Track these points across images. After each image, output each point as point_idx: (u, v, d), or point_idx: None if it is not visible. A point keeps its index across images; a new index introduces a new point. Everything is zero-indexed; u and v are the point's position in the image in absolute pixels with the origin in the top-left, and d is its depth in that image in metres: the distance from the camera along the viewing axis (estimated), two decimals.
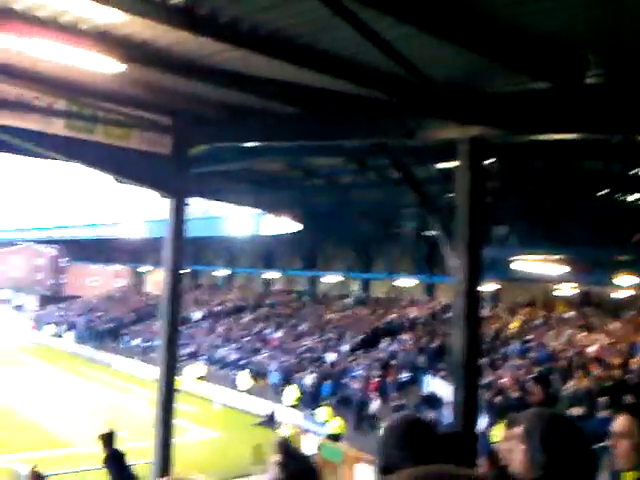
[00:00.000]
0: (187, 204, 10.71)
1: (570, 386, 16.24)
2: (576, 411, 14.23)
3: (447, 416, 18.43)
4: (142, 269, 49.36)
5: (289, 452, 2.36)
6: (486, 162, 7.82)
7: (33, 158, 10.93)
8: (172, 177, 10.37)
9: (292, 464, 2.29)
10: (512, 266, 17.62)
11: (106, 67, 6.21)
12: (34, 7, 5.74)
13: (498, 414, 16.77)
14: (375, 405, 20.93)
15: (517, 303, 25.95)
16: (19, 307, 59.85)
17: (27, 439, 18.83)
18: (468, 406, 7.79)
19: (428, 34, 5.50)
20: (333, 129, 8.89)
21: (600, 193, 13.30)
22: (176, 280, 10.67)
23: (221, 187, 15.94)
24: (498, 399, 17.28)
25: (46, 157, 10.50)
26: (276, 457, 2.35)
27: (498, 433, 15.80)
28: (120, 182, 12.94)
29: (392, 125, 8.09)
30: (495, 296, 26.56)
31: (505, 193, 12.33)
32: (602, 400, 14.47)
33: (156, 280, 46.86)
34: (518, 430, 2.30)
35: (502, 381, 18.58)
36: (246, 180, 15.77)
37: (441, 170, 11.84)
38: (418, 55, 5.94)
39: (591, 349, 19.20)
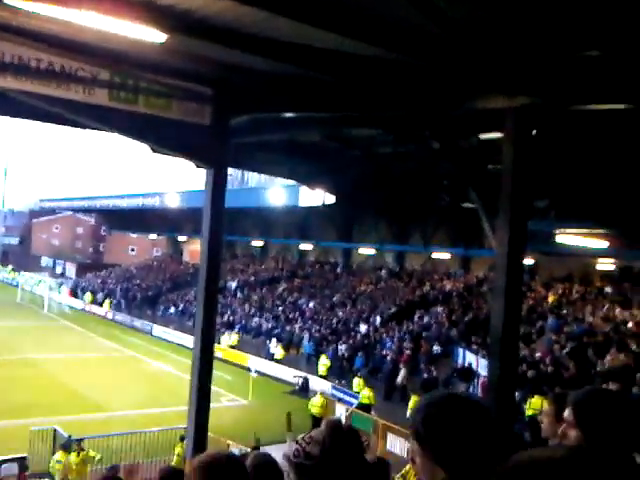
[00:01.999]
0: (225, 172, 10.76)
1: (606, 362, 16.07)
2: (612, 387, 14.09)
3: (480, 389, 18.48)
4: (180, 238, 50.06)
5: (338, 432, 2.31)
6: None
7: (75, 128, 11.08)
8: (211, 147, 10.41)
9: (336, 444, 2.24)
10: (551, 238, 17.31)
11: (149, 37, 6.24)
12: None
13: (531, 388, 16.74)
14: (405, 377, 21.04)
15: (554, 277, 25.60)
16: (59, 274, 61.46)
17: (67, 403, 19.51)
18: (505, 380, 7.76)
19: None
20: (370, 99, 8.79)
21: None
22: (215, 249, 10.80)
23: (258, 158, 15.96)
24: (531, 373, 17.21)
25: (88, 127, 10.65)
26: (317, 434, 2.29)
27: (532, 406, 15.82)
28: (156, 152, 13.06)
29: (433, 95, 7.97)
30: (532, 270, 26.22)
31: (548, 164, 12.07)
32: (638, 376, 14.28)
33: (193, 249, 47.55)
34: (568, 415, 2.21)
35: (536, 355, 18.49)
36: (283, 151, 15.74)
37: (482, 141, 11.61)
38: (464, 21, 5.81)
39: (629, 325, 18.92)
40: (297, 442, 2.25)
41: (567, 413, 2.20)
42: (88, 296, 45.09)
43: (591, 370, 16.06)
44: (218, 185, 10.63)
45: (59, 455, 12.67)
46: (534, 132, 7.65)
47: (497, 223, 7.56)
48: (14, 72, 7.90)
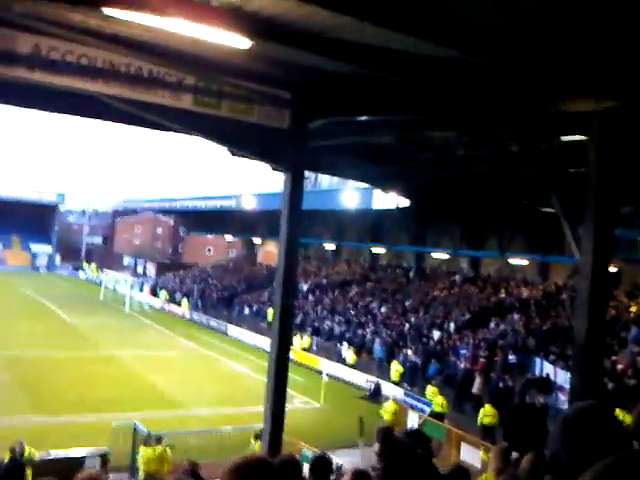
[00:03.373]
0: (304, 177, 10.91)
1: None
2: None
3: (560, 401, 17.84)
4: (254, 240, 50.99)
5: (390, 441, 2.33)
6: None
7: (161, 131, 11.51)
8: (289, 151, 10.59)
9: (393, 454, 2.26)
10: (635, 247, 16.57)
11: (235, 43, 6.42)
12: None
13: (612, 401, 16.03)
14: (479, 385, 20.59)
15: (638, 286, 24.42)
16: (140, 273, 63.85)
17: (148, 399, 20.23)
18: (587, 393, 7.48)
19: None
20: (448, 101, 8.70)
21: None
22: (291, 251, 10.96)
23: (333, 161, 16.07)
24: (612, 385, 16.51)
25: (173, 130, 11.05)
26: (377, 446, 2.33)
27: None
28: (235, 155, 13.39)
29: (515, 97, 7.80)
30: (615, 278, 25.09)
31: (633, 169, 11.56)
32: None
33: (267, 251, 48.34)
34: None
35: (618, 367, 17.72)
36: (357, 154, 15.80)
37: (563, 143, 11.25)
38: (547, 24, 5.67)
39: None
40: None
41: None
42: (164, 294, 46.58)
43: None
44: (295, 188, 10.78)
45: (142, 450, 13.09)
46: (620, 136, 7.35)
47: (581, 230, 7.30)
48: (106, 77, 8.32)
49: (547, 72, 6.49)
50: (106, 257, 74.01)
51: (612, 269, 23.52)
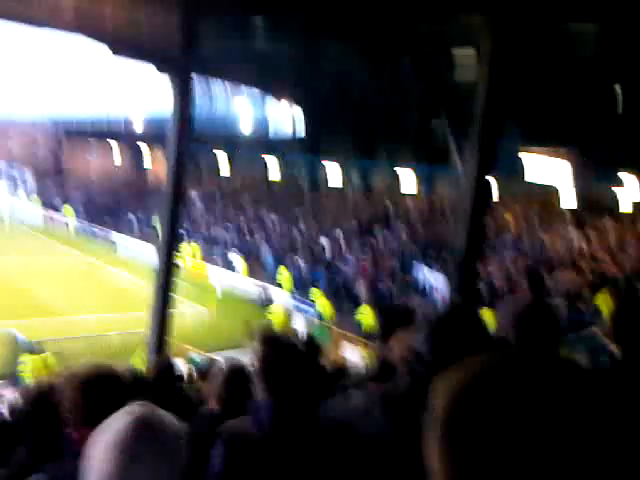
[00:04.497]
0: (192, 79, 10.42)
1: (558, 279, 16.78)
2: (561, 302, 14.79)
3: (437, 303, 19.17)
4: (141, 146, 48.77)
5: (268, 340, 2.37)
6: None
7: (36, 27, 10.45)
8: (176, 52, 10.02)
9: (270, 352, 2.30)
10: (514, 159, 17.55)
11: None
12: None
13: (484, 303, 17.44)
14: (363, 289, 21.56)
15: (512, 198, 26.09)
16: (15, 180, 59.57)
17: (25, 307, 19.36)
18: (464, 298, 8.02)
19: None
20: (345, 10, 8.51)
21: (615, 89, 13.02)
22: (180, 158, 10.63)
23: (224, 66, 15.48)
24: (485, 289, 17.86)
25: (48, 26, 10.07)
26: (254, 344, 2.36)
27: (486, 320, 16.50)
28: (117, 53, 12.50)
29: (407, 7, 7.74)
30: (492, 190, 26.56)
31: (514, 82, 12.04)
32: (587, 293, 15.01)
33: (155, 158, 46.52)
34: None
35: (490, 272, 19.13)
36: (250, 61, 15.29)
37: (453, 56, 11.46)
38: None
39: (582, 245, 19.67)
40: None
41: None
42: (35, 199, 43.86)
43: (543, 287, 16.76)
44: (184, 92, 10.31)
45: (25, 359, 12.73)
46: (508, 50, 7.55)
47: (466, 142, 7.58)
48: None
49: None
50: None
51: (491, 180, 24.92)
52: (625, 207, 22.03)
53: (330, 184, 34.25)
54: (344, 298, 21.84)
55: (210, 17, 10.09)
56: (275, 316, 18.74)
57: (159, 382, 4.35)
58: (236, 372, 3.25)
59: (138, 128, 41.93)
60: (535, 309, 2.36)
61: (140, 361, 13.42)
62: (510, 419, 0.64)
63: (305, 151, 34.43)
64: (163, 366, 4.61)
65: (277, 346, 2.34)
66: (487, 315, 16.08)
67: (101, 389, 1.96)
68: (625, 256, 17.24)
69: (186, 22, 9.80)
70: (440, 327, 2.03)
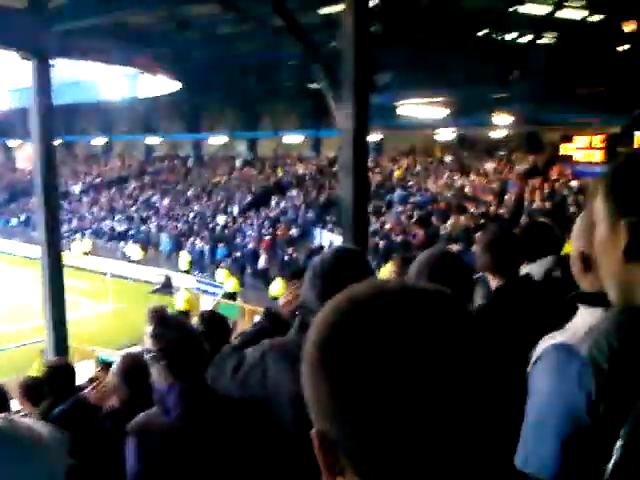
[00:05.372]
0: (51, 65, 9.69)
1: (449, 225, 17.43)
2: (455, 247, 15.39)
3: None
4: (10, 144, 45.48)
5: (163, 322, 2.27)
6: (370, 4, 7.53)
7: None
8: (30, 33, 9.25)
9: (167, 334, 2.21)
10: (395, 113, 17.88)
11: None
12: None
13: (383, 257, 17.87)
14: (265, 261, 21.51)
15: (399, 151, 26.76)
16: None
17: None
18: (359, 247, 8.09)
19: None
20: None
21: (480, 33, 13.45)
22: (48, 151, 9.93)
23: (89, 45, 14.53)
24: (383, 243, 18.29)
25: None
26: (149, 328, 2.26)
27: (384, 273, 16.97)
28: None
29: None
30: (378, 145, 27.15)
31: (387, 37, 12.14)
32: (477, 236, 15.68)
33: (27, 155, 43.59)
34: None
35: (386, 227, 19.61)
36: (116, 37, 14.47)
37: (325, 16, 11.36)
38: None
39: (467, 189, 20.51)
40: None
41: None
42: None
43: (436, 235, 17.36)
44: (43, 77, 9.58)
45: None
46: (373, 3, 7.54)
47: (340, 101, 7.54)
48: None
49: None
50: None
51: (376, 137, 25.40)
52: (502, 148, 23.19)
53: (218, 159, 33.63)
54: (251, 274, 21.67)
55: None
56: (182, 302, 18.29)
57: (51, 385, 4.10)
58: (131, 362, 3.06)
59: (4, 122, 38.96)
60: (446, 259, 2.34)
61: (37, 371, 12.74)
62: (387, 345, 0.63)
63: (189, 129, 33.57)
64: (54, 368, 4.33)
65: (172, 325, 2.24)
66: (387, 269, 16.67)
67: None
68: (508, 195, 18.12)
69: (36, 1, 9.07)
70: (324, 270, 1.94)
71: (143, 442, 2.14)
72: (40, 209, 10.38)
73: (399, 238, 18.10)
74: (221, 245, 23.68)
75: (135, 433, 2.17)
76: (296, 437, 1.38)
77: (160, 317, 2.31)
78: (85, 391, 3.61)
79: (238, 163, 32.25)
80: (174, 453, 2.10)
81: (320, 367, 0.66)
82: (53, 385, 4.05)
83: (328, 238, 21.16)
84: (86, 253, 27.89)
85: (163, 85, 22.28)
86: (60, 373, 4.26)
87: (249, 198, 27.30)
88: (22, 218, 35.09)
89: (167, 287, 22.76)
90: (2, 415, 1.38)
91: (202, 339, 2.30)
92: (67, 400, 3.57)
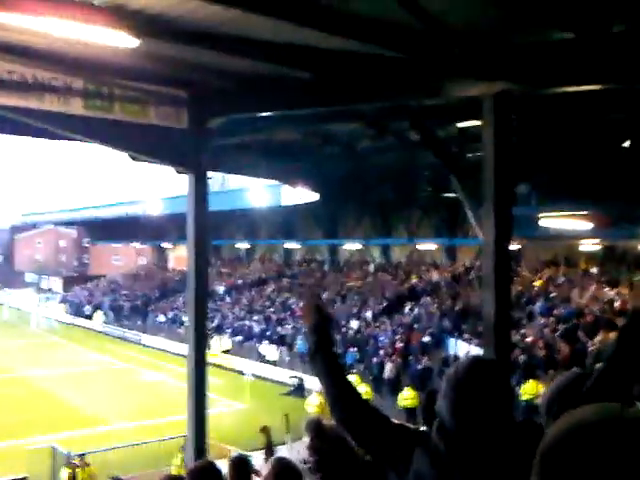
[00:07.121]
0: (208, 177, 10.66)
1: (597, 341, 16.20)
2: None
3: None
4: (164, 245, 49.72)
5: (320, 434, 2.28)
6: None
7: (51, 140, 10.91)
8: (190, 151, 10.30)
9: (324, 445, 2.21)
10: (535, 224, 17.42)
11: (120, 42, 6.15)
12: None
13: (524, 373, 16.84)
14: (391, 370, 21.04)
15: (540, 261, 25.76)
16: (45, 289, 60.75)
17: (64, 419, 19.31)
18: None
19: None
20: (348, 93, 8.75)
21: (623, 145, 13.03)
22: (201, 255, 10.70)
23: (238, 160, 15.88)
24: (523, 357, 17.32)
25: (63, 138, 10.50)
26: (306, 439, 2.27)
27: (526, 391, 15.90)
28: (135, 159, 12.91)
29: (411, 85, 7.94)
30: (517, 255, 26.33)
31: (527, 149, 12.14)
32: None
33: (178, 256, 47.24)
34: None
35: (527, 339, 18.60)
36: (263, 151, 15.68)
37: (461, 129, 11.64)
38: (437, 8, 5.79)
39: (617, 304, 19.08)
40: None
41: None
42: (69, 308, 44.50)
43: (583, 351, 16.18)
44: (199, 189, 10.51)
45: (65, 472, 12.49)
46: (512, 117, 7.65)
47: (481, 211, 7.56)
48: None
49: (440, 58, 6.65)
50: (7, 275, 69.87)
51: (515, 247, 24.73)
52: None
53: (353, 265, 34.30)
54: (377, 380, 21.29)
55: (222, 116, 10.42)
56: (313, 406, 18.21)
57: None
58: (283, 470, 3.10)
59: (159, 226, 42.81)
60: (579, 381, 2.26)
61: (177, 468, 13.08)
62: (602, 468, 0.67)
63: (325, 235, 34.78)
64: (202, 469, 4.44)
65: (328, 438, 2.26)
66: (532, 386, 15.64)
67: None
68: None
69: (196, 122, 10.14)
70: (459, 381, 1.83)
71: None
72: (189, 307, 11.02)
73: (542, 353, 17.07)
74: (353, 350, 23.62)
75: None
76: None
77: (317, 428, 2.31)
78: None
79: (372, 268, 32.63)
80: None
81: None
82: None
83: (464, 348, 20.41)
84: (226, 351, 28.95)
85: (303, 194, 23.59)
86: (206, 476, 4.35)
87: (383, 303, 27.29)
88: (170, 315, 37.52)
89: (300, 390, 22.87)
90: None
91: (357, 451, 2.28)
92: None
